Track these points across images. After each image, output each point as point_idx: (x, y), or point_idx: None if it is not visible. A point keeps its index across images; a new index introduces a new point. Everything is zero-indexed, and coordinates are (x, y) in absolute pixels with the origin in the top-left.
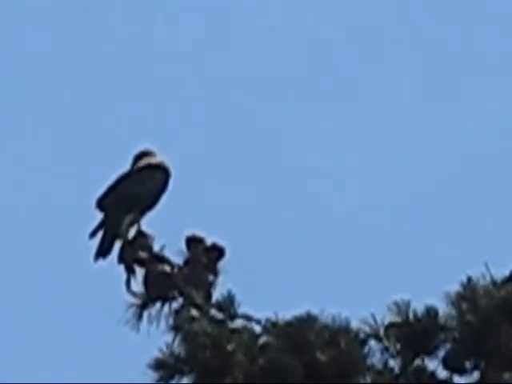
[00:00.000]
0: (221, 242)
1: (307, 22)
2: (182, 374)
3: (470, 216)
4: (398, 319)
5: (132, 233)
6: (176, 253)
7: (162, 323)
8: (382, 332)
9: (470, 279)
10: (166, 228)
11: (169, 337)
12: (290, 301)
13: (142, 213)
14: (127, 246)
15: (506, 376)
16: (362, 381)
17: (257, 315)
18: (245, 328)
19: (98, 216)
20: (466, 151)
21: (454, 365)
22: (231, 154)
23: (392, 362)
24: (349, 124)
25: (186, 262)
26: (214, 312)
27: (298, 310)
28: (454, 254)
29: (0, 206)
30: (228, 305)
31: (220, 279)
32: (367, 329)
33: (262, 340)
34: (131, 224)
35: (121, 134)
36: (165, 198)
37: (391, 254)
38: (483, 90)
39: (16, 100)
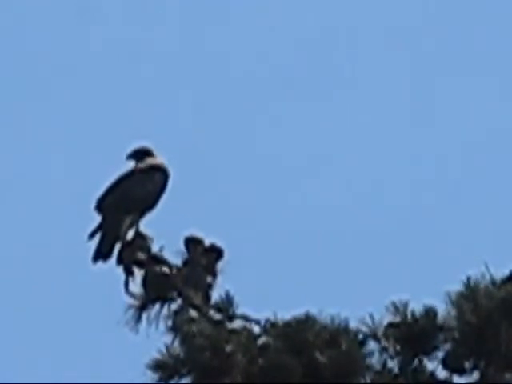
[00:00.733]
0: (219, 243)
1: (301, 21)
2: (181, 374)
3: (470, 216)
4: (396, 319)
5: (131, 234)
6: (175, 254)
7: (161, 324)
8: (380, 332)
9: (470, 279)
10: (164, 229)
11: (168, 338)
12: (289, 301)
13: (141, 214)
14: (126, 247)
15: (507, 376)
16: (361, 381)
17: (255, 316)
18: (243, 329)
19: (97, 217)
20: (467, 151)
21: (453, 365)
22: (231, 155)
23: (391, 363)
24: (348, 124)
25: (185, 263)
26: (212, 313)
27: (297, 311)
28: (453, 254)
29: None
30: (226, 306)
31: (219, 280)
32: (366, 329)
33: (261, 340)
34: (130, 225)
35: (121, 134)
36: (164, 200)
37: (390, 254)
38: (481, 90)
39: (16, 101)
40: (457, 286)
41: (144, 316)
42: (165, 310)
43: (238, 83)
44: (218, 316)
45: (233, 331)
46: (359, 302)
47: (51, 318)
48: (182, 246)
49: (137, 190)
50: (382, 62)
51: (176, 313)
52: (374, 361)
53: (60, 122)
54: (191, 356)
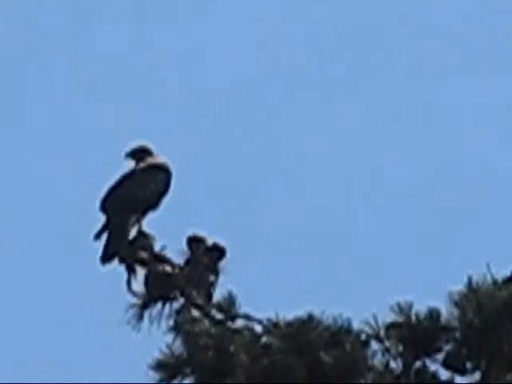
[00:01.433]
0: (222, 243)
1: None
2: (184, 374)
3: (472, 216)
4: (399, 320)
5: (133, 233)
6: (177, 253)
7: (163, 323)
8: (382, 333)
9: (472, 280)
10: (167, 228)
11: (170, 337)
12: (292, 301)
13: (144, 213)
14: (128, 246)
15: (509, 376)
16: (363, 381)
17: (258, 316)
18: (246, 328)
19: (102, 216)
20: (468, 150)
21: (455, 365)
22: (232, 155)
23: (393, 363)
24: (348, 123)
25: (187, 262)
26: (214, 312)
27: (300, 311)
28: (455, 255)
29: (2, 208)
30: (229, 305)
31: (221, 279)
32: (368, 330)
33: (264, 340)
34: (133, 224)
35: (121, 134)
36: (166, 199)
37: (391, 254)
38: (478, 90)
39: (15, 101)
40: (459, 287)
41: (146, 315)
42: (167, 309)
43: (238, 83)
44: (220, 315)
45: (235, 331)
46: (361, 302)
47: (53, 316)
48: (184, 245)
49: (140, 189)
50: (382, 63)
51: (178, 312)
52: (377, 361)
53: (60, 123)
54: (194, 356)
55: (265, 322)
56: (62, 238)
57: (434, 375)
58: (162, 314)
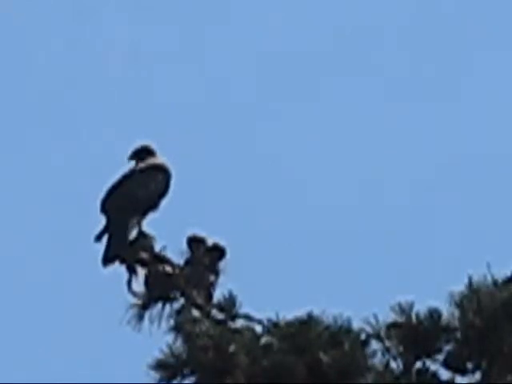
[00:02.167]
0: (222, 243)
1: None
2: (184, 374)
3: (472, 216)
4: (400, 320)
5: (133, 234)
6: (177, 253)
7: (164, 323)
8: (383, 333)
9: (472, 280)
10: (167, 229)
11: (170, 337)
12: (292, 301)
13: (144, 214)
14: (129, 246)
15: (509, 376)
16: (363, 381)
17: (258, 316)
18: (246, 328)
19: (102, 218)
20: (469, 150)
21: (456, 365)
22: (232, 155)
23: (393, 363)
24: (348, 123)
25: (187, 263)
26: (215, 312)
27: (300, 311)
28: (456, 255)
29: (3, 209)
30: (229, 305)
31: (221, 279)
32: (369, 329)
33: (264, 340)
34: (133, 225)
35: (121, 134)
36: (166, 199)
37: (392, 254)
38: (473, 90)
39: (15, 102)
40: (459, 287)
41: (146, 315)
42: (167, 310)
43: (238, 83)
44: (220, 315)
45: (235, 331)
46: (362, 302)
47: (53, 316)
48: (184, 246)
49: (140, 189)
50: (381, 62)
51: (178, 312)
52: (377, 361)
53: (60, 123)
54: (194, 356)
55: (265, 321)
56: (63, 239)
57: (435, 375)
58: (163, 315)
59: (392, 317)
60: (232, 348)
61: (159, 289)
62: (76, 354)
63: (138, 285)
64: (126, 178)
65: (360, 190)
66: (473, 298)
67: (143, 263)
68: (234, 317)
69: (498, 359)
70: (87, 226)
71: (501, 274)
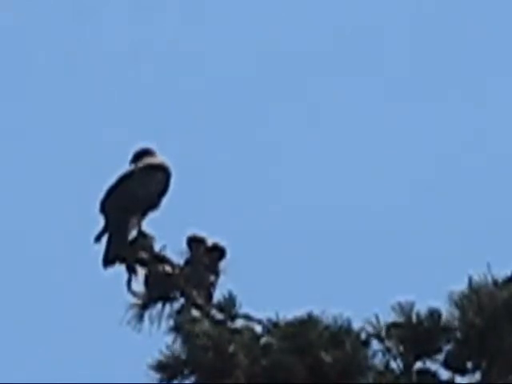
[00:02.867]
0: (222, 243)
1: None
2: (184, 374)
3: (473, 216)
4: (400, 320)
5: (133, 233)
6: (177, 253)
7: (163, 324)
8: (383, 333)
9: (472, 280)
10: (166, 228)
11: (170, 337)
12: (292, 301)
13: (144, 213)
14: (128, 246)
15: (510, 377)
16: (363, 381)
17: (258, 316)
18: (246, 328)
19: (101, 217)
20: (469, 150)
21: (455, 365)
22: (232, 155)
23: (393, 363)
24: (349, 125)
25: (187, 263)
26: (214, 312)
27: (300, 311)
28: (456, 255)
29: (4, 209)
30: (229, 305)
31: (221, 279)
32: (369, 329)
33: (264, 340)
34: (133, 225)
35: (121, 134)
36: (166, 199)
37: (393, 254)
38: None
39: (14, 103)
40: (460, 287)
41: (146, 315)
42: (167, 310)
43: (237, 83)
44: (220, 315)
45: (235, 331)
46: (362, 302)
47: (53, 316)
48: (184, 246)
49: (140, 189)
50: (380, 62)
51: (178, 312)
52: (377, 361)
53: (60, 123)
54: (193, 356)
55: (265, 321)
56: (62, 239)
57: (435, 375)
58: (162, 315)
59: (392, 317)
60: (232, 348)
61: (159, 289)
62: (76, 354)
63: (138, 285)
64: (125, 177)
65: (360, 190)
66: (473, 298)
67: (143, 263)
68: (233, 317)
69: (498, 359)
70: (87, 226)
71: (501, 273)
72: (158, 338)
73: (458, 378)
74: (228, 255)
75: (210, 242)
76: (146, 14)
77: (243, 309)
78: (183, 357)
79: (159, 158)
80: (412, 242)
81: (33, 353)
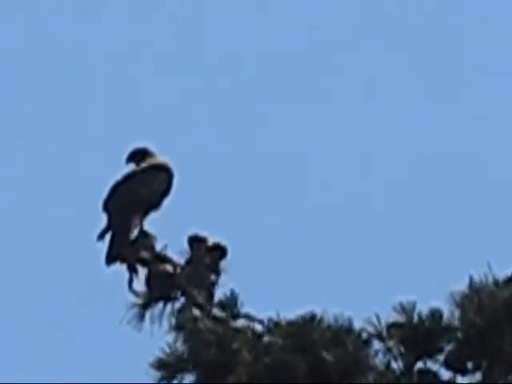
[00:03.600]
0: (223, 242)
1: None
2: (185, 372)
3: (473, 216)
4: (401, 320)
5: (135, 233)
6: (178, 253)
7: (165, 323)
8: (384, 332)
9: (473, 279)
10: (168, 228)
11: (171, 336)
12: (293, 301)
13: (146, 213)
14: (130, 245)
15: (510, 377)
16: (364, 381)
17: (259, 315)
18: (247, 328)
19: (104, 218)
20: (470, 150)
21: (456, 365)
22: (233, 155)
23: (394, 363)
24: (347, 123)
25: (189, 262)
26: (216, 311)
27: (301, 310)
28: (457, 255)
29: (5, 207)
30: (230, 304)
31: (222, 279)
32: (370, 329)
33: (265, 339)
34: (135, 224)
35: (121, 134)
36: (168, 199)
37: (394, 254)
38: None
39: (13, 103)
40: (460, 287)
41: (147, 314)
42: (168, 309)
43: (237, 83)
44: (221, 314)
45: (237, 330)
46: (363, 302)
47: (54, 316)
48: (185, 245)
49: (142, 188)
50: (380, 63)
51: (179, 311)
52: (378, 361)
53: (59, 123)
54: (196, 353)
55: (266, 321)
56: (65, 237)
57: (436, 375)
58: (164, 314)
59: (393, 317)
60: (234, 345)
61: (160, 288)
62: (76, 354)
63: (139, 284)
64: (128, 177)
65: (360, 190)
66: (474, 298)
67: (144, 263)
68: (235, 316)
69: (498, 359)
70: (89, 224)
71: (502, 273)
72: (159, 337)
73: (459, 378)
74: (229, 255)
75: (210, 241)
76: (146, 14)
77: (244, 308)
78: (185, 355)
79: (162, 159)
80: (413, 242)
81: (33, 352)
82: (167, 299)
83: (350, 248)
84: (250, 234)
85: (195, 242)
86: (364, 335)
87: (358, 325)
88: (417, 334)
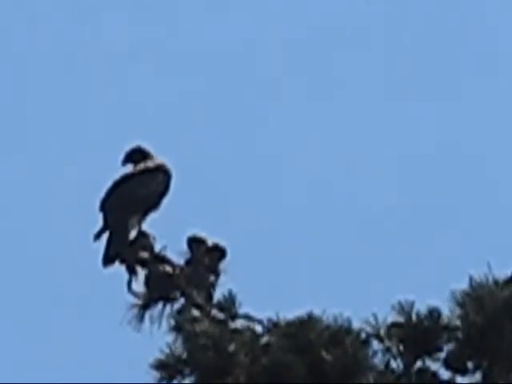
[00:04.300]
0: (222, 243)
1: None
2: (184, 374)
3: (473, 216)
4: (400, 319)
5: (134, 233)
6: (177, 253)
7: (164, 324)
8: (383, 332)
9: (473, 279)
10: (167, 229)
11: (170, 337)
12: (292, 301)
13: (145, 214)
14: (129, 246)
15: (510, 376)
16: (364, 381)
17: (258, 316)
18: (246, 328)
19: (101, 218)
20: (470, 150)
21: (456, 365)
22: (232, 155)
23: (394, 363)
24: (347, 123)
25: (188, 263)
26: (215, 312)
27: (300, 311)
28: (457, 254)
29: (3, 210)
30: (229, 305)
31: (221, 280)
32: (369, 329)
33: (264, 340)
34: (134, 225)
35: (120, 134)
36: (166, 199)
37: (393, 253)
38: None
39: (13, 103)
40: (460, 286)
41: (147, 315)
42: (167, 310)
43: (237, 83)
44: (220, 315)
45: (235, 330)
46: (362, 301)
47: (54, 316)
48: (184, 246)
49: (140, 189)
50: (378, 64)
51: (179, 312)
52: (377, 361)
53: (59, 123)
54: (194, 355)
55: (265, 321)
56: (64, 237)
57: (435, 375)
58: (163, 315)
59: (392, 316)
60: (232, 347)
61: (159, 289)
62: (76, 354)
63: (139, 285)
64: (126, 178)
65: (360, 190)
66: (474, 298)
67: (143, 263)
68: (233, 317)
69: (498, 359)
70: (89, 224)
71: (502, 273)
72: (158, 337)
73: (459, 378)
74: (228, 255)
75: (210, 242)
76: (146, 14)
77: (243, 309)
78: (183, 356)
79: (160, 160)
80: (413, 242)
81: (33, 352)
82: (166, 300)
83: (349, 248)
84: (249, 234)
85: (194, 242)
86: (363, 335)
87: (356, 325)
88: (416, 334)
